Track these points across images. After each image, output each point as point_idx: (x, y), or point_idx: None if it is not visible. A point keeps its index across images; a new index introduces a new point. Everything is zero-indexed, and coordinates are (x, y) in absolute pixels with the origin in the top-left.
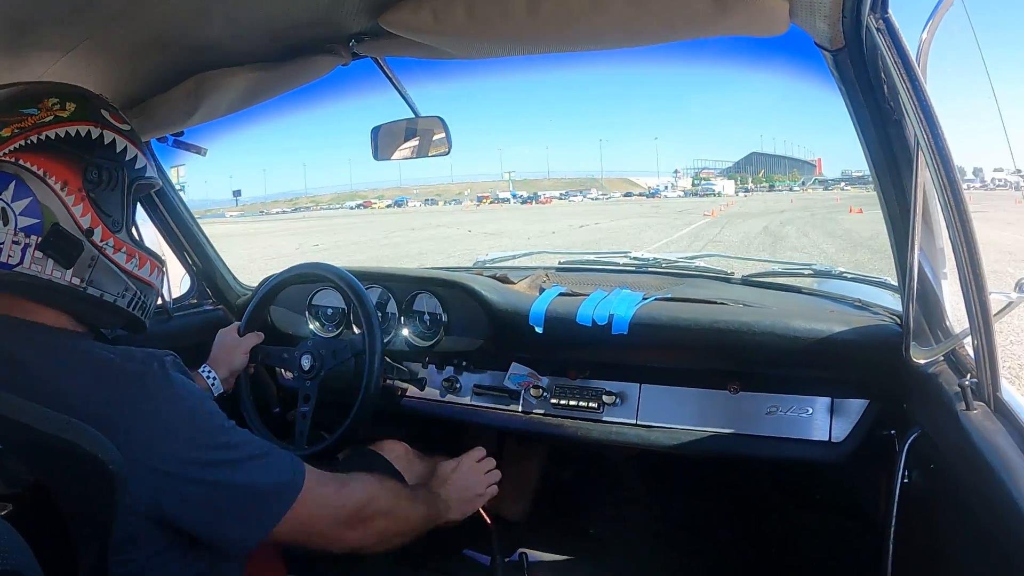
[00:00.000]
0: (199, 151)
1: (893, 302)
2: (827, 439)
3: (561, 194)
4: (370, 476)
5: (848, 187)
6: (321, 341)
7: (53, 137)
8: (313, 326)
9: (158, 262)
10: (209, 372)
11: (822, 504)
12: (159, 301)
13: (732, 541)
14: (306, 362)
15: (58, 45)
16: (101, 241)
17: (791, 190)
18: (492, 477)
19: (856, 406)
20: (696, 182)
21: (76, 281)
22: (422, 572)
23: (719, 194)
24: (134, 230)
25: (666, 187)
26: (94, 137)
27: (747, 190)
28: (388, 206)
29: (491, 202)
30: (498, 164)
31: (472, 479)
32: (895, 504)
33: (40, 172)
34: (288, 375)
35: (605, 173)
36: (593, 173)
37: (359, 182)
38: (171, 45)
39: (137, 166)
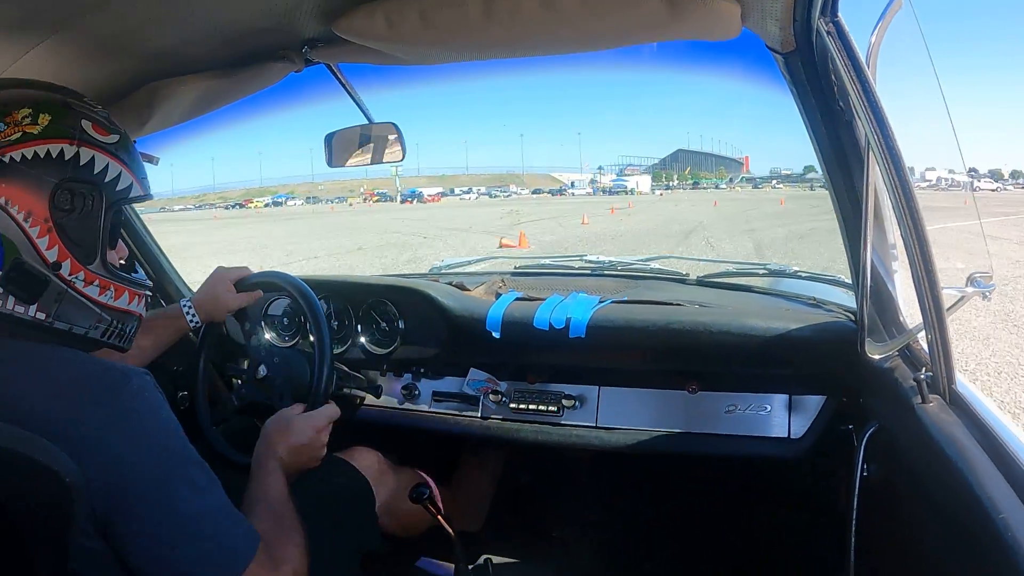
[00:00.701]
0: (151, 160)
1: (847, 299)
2: (786, 435)
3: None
4: (295, 544)
5: (780, 184)
6: (276, 350)
7: (19, 159)
8: (269, 336)
9: (140, 289)
10: (188, 306)
11: (784, 500)
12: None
13: (695, 539)
14: (262, 371)
15: (6, 51)
16: (70, 275)
17: (716, 188)
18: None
19: (814, 402)
20: (617, 179)
21: (41, 316)
22: None
23: (631, 191)
24: (113, 253)
25: (572, 184)
26: (67, 157)
27: (668, 187)
28: (266, 205)
29: (376, 200)
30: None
31: (307, 433)
32: (856, 497)
33: (1, 200)
34: (240, 383)
35: (528, 169)
36: (515, 169)
37: (269, 177)
38: (123, 52)
39: (119, 186)
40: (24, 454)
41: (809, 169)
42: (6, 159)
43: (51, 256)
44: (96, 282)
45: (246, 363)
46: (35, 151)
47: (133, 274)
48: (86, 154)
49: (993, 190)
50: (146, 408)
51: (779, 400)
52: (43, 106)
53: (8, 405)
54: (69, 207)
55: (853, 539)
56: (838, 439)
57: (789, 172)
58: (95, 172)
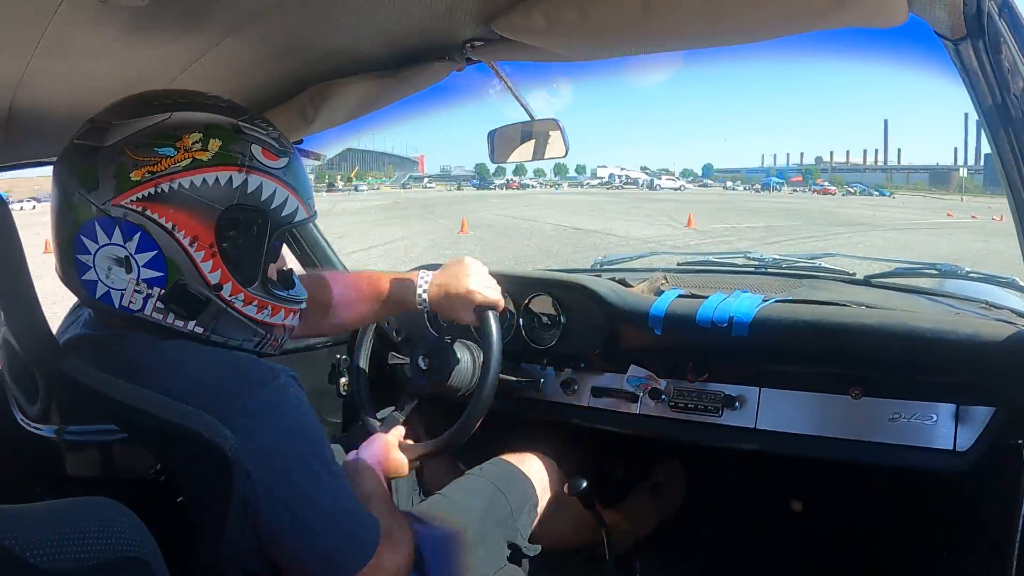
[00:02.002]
0: (317, 157)
1: (1022, 304)
2: (951, 447)
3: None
4: (406, 530)
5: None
6: (440, 342)
7: (188, 186)
8: (433, 326)
9: (295, 306)
10: (425, 278)
11: (944, 517)
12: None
13: (847, 550)
14: (424, 362)
15: (182, 56)
16: (230, 296)
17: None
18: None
19: (982, 414)
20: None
21: (199, 330)
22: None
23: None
24: (273, 267)
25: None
26: (236, 184)
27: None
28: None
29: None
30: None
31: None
32: (1021, 519)
33: (168, 225)
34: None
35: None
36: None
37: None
38: (291, 55)
39: (285, 211)
40: (192, 429)
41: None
42: (176, 185)
43: (213, 279)
44: (255, 302)
45: (411, 350)
46: (204, 178)
47: (290, 291)
48: (254, 181)
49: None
50: (290, 401)
51: (945, 409)
52: (214, 131)
53: (168, 391)
54: (234, 233)
55: (1015, 564)
56: (1006, 455)
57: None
58: (262, 199)
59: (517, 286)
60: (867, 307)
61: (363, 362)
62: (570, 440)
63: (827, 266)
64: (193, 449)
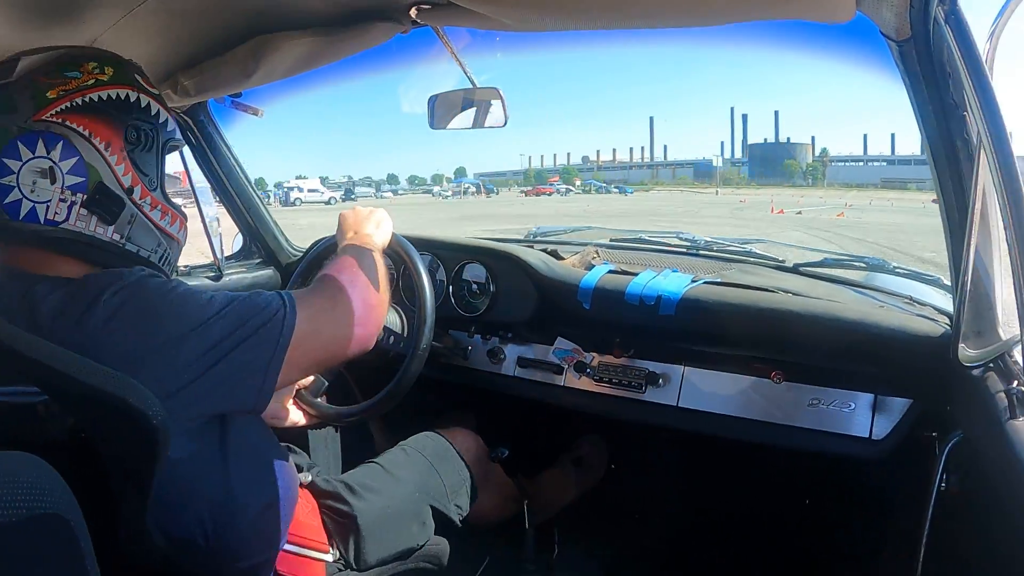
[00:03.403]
0: (256, 112)
1: (944, 301)
2: (867, 436)
3: None
4: (336, 264)
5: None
6: None
7: (96, 99)
8: None
9: (183, 217)
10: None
11: (858, 502)
12: (214, 259)
13: (763, 531)
14: None
15: (120, 3)
16: (140, 199)
17: None
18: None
19: (899, 404)
20: None
21: (116, 237)
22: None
23: None
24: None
25: None
26: (132, 100)
27: None
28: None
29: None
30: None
31: (373, 216)
32: (930, 508)
33: (86, 132)
34: None
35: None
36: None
37: None
38: (232, 7)
39: (168, 128)
40: (117, 395)
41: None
42: (87, 99)
43: (126, 181)
44: (159, 206)
45: None
46: (108, 94)
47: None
48: (144, 99)
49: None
50: (145, 287)
51: (864, 399)
52: (105, 59)
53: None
54: (136, 140)
55: (923, 550)
56: (920, 445)
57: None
58: (152, 114)
59: (449, 253)
60: (793, 294)
61: None
62: (495, 408)
63: (757, 251)
64: (118, 415)
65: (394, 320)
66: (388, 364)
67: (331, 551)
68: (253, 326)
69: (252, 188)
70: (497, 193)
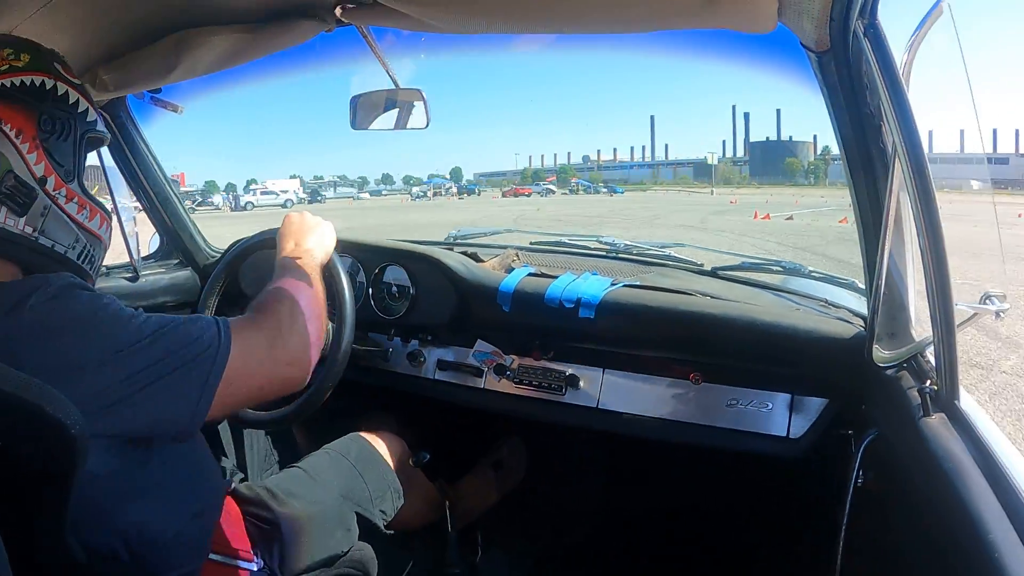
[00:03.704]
0: (175, 109)
1: (859, 304)
2: (785, 435)
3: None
4: (276, 292)
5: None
6: None
7: (8, 85)
8: None
9: (106, 215)
10: None
11: (777, 499)
12: (130, 260)
13: (686, 529)
14: None
15: None
16: (54, 190)
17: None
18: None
19: (815, 404)
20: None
21: (28, 230)
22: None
23: None
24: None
25: None
26: (48, 87)
27: None
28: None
29: None
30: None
31: (318, 228)
32: (848, 504)
33: None
34: None
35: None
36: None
37: None
38: (155, 0)
39: (88, 119)
40: (34, 403)
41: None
42: None
43: (39, 171)
44: (75, 199)
45: None
46: (22, 80)
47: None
48: (62, 88)
49: None
50: (64, 298)
51: (781, 399)
52: (22, 47)
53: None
54: (51, 129)
55: (841, 544)
56: (836, 443)
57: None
58: (70, 103)
59: (369, 255)
60: (711, 297)
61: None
62: (416, 412)
63: (676, 255)
64: (34, 423)
65: None
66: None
67: (256, 559)
68: (182, 358)
69: (170, 187)
70: (479, 194)
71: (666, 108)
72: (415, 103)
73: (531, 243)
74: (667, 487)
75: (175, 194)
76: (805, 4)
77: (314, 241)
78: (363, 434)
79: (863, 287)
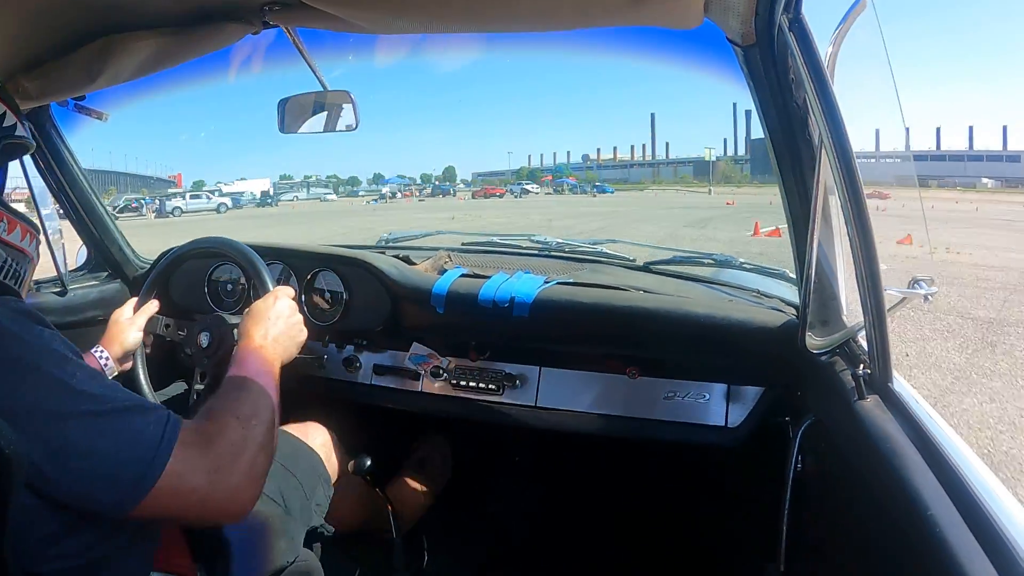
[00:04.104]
0: (100, 116)
1: (791, 294)
2: (723, 424)
3: None
4: (234, 404)
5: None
6: (220, 317)
7: None
8: (213, 302)
9: (32, 228)
10: (101, 352)
11: (720, 488)
12: (56, 273)
13: (630, 522)
14: (204, 339)
15: None
16: None
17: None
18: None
19: (752, 393)
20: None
21: None
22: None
23: None
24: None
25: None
26: None
27: None
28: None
29: None
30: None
31: (292, 327)
32: (789, 487)
33: None
34: (188, 352)
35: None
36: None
37: None
38: (77, 5)
39: (5, 123)
40: None
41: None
42: None
43: None
44: None
45: (190, 327)
46: None
47: None
48: None
49: None
50: (19, 335)
51: (718, 389)
52: None
53: None
54: None
55: (785, 528)
56: (774, 430)
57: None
58: None
59: (300, 261)
60: (645, 291)
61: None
62: (354, 418)
63: (608, 251)
64: None
65: None
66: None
67: (198, 575)
68: (115, 450)
69: (96, 197)
70: (454, 194)
71: (667, 106)
72: (343, 105)
73: (463, 244)
74: (610, 482)
75: (101, 204)
76: (731, 0)
77: (285, 338)
78: (286, 428)
79: (794, 277)
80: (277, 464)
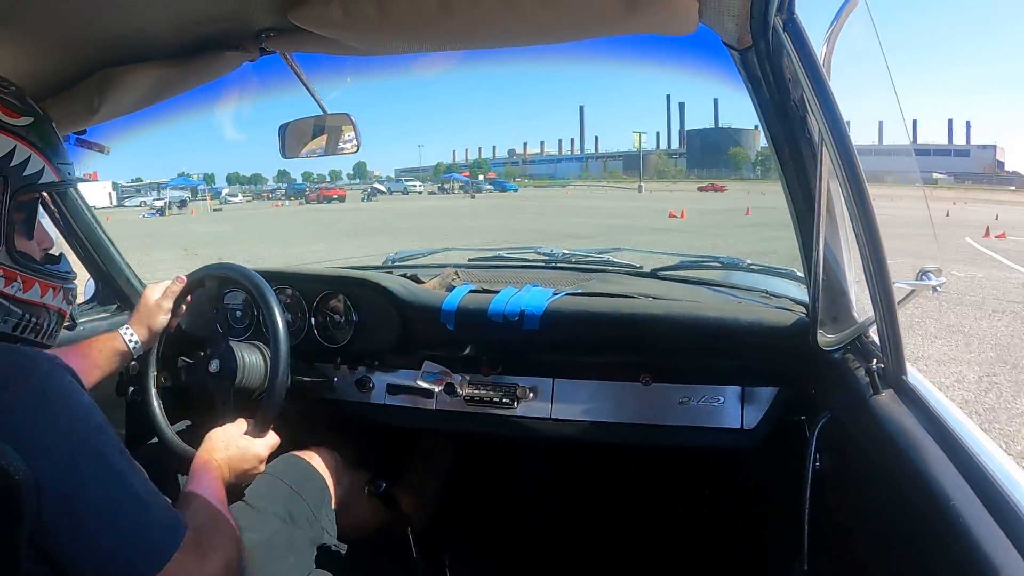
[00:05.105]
0: (102, 150)
1: (800, 292)
2: (739, 426)
3: None
4: (228, 536)
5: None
6: (229, 344)
7: None
8: (223, 328)
9: (56, 281)
10: (128, 331)
11: (739, 490)
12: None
13: (651, 531)
14: (214, 365)
15: None
16: None
17: None
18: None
19: (766, 393)
20: None
21: None
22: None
23: None
24: (28, 243)
25: None
26: None
27: None
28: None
29: None
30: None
31: (248, 456)
32: (807, 487)
33: None
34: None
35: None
36: None
37: None
38: (75, 40)
39: (27, 171)
40: None
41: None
42: None
43: None
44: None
45: (201, 354)
46: None
47: (53, 266)
48: None
49: None
50: (55, 392)
51: (732, 392)
52: None
53: None
54: None
55: (807, 528)
56: (790, 430)
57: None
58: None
59: (308, 284)
60: (654, 298)
61: (152, 370)
62: (368, 438)
63: (615, 260)
64: None
65: (256, 361)
66: (253, 404)
67: None
68: (125, 537)
69: (102, 229)
70: (306, 195)
71: (597, 99)
72: (343, 127)
73: (470, 260)
74: (628, 490)
75: (107, 237)
76: (725, 3)
77: (245, 467)
78: (296, 453)
79: (802, 275)
80: (284, 484)
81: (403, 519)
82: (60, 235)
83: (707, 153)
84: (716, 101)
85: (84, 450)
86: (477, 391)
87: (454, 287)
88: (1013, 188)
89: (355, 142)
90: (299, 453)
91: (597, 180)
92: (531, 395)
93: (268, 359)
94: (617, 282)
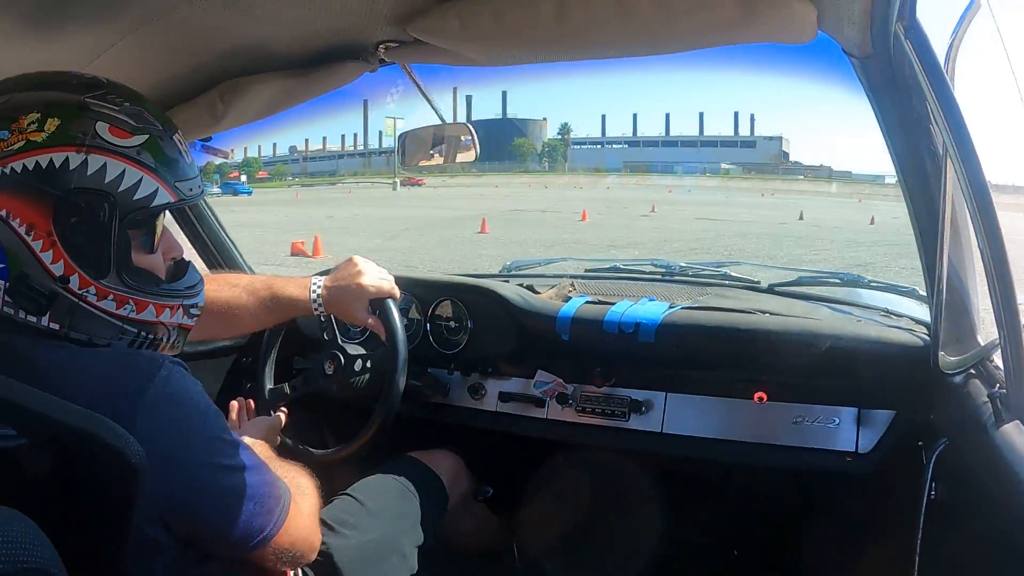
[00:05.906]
0: (225, 155)
1: (921, 312)
2: (854, 449)
3: None
4: (307, 480)
5: None
6: (345, 346)
7: (19, 170)
8: (339, 330)
9: (171, 300)
10: (317, 293)
11: (849, 517)
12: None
13: (756, 553)
14: (329, 367)
15: (88, 47)
16: (80, 289)
17: None
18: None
19: (883, 417)
20: None
21: (55, 326)
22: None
23: None
24: (147, 258)
25: None
26: (73, 165)
27: None
28: None
29: None
30: None
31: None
32: (921, 517)
33: (2, 213)
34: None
35: None
36: None
37: None
38: (203, 49)
39: (137, 194)
40: (92, 433)
41: None
42: (7, 170)
43: (57, 270)
44: (111, 296)
45: (316, 357)
46: (37, 161)
47: (176, 282)
48: (96, 161)
49: None
50: (178, 393)
51: (848, 413)
52: (53, 109)
53: (67, 390)
54: (77, 219)
55: (917, 561)
56: (907, 455)
57: None
58: (106, 180)
59: (424, 290)
60: (771, 314)
61: (268, 366)
62: (478, 445)
63: (732, 274)
64: (94, 454)
65: (371, 364)
66: (358, 401)
67: None
68: (246, 504)
69: (234, 245)
70: None
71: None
72: (463, 137)
73: (586, 271)
74: (737, 511)
75: (227, 234)
76: (845, 10)
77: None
78: (415, 454)
79: (924, 294)
80: (397, 483)
81: (508, 527)
82: (185, 239)
83: (491, 145)
84: (504, 93)
85: (210, 447)
86: (589, 402)
87: (570, 298)
88: None
89: (474, 152)
90: (418, 454)
91: (369, 176)
92: (643, 408)
93: (380, 364)
94: (733, 297)
